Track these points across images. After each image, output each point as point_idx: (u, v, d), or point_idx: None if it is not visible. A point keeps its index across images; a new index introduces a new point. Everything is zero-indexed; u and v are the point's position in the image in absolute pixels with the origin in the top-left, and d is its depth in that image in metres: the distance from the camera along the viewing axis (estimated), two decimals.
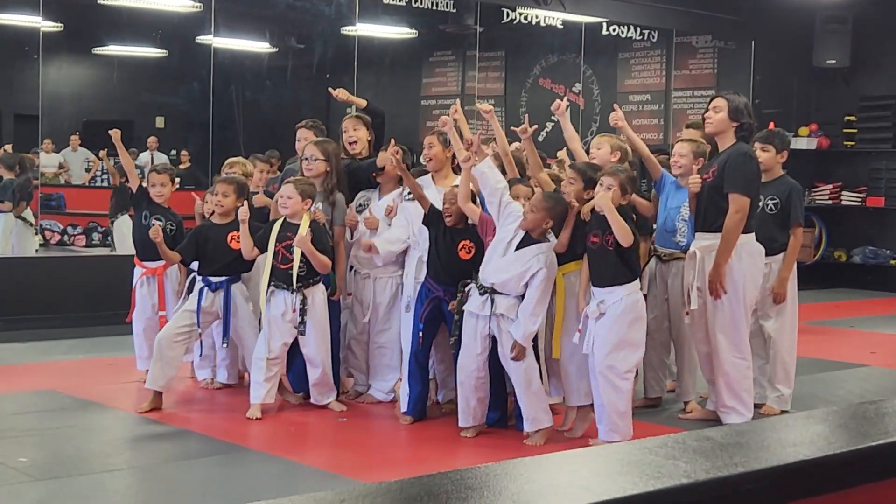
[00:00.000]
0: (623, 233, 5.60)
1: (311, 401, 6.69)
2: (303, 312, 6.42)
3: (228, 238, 6.66)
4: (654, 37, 15.05)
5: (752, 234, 6.33)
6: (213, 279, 6.68)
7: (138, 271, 7.21)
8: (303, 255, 6.39)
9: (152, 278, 7.14)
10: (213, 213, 6.93)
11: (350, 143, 7.02)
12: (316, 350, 6.51)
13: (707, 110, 6.43)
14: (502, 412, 6.26)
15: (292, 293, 6.42)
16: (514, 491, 1.91)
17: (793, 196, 6.96)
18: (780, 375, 6.88)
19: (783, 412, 6.67)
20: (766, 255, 6.55)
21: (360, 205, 6.95)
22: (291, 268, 6.41)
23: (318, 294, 6.51)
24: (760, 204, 6.69)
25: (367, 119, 7.14)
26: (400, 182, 6.73)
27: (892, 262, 14.28)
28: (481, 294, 5.90)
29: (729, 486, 2.06)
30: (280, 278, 6.45)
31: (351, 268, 6.87)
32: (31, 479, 5.13)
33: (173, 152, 17.06)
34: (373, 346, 6.90)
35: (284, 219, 6.51)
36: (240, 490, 5.03)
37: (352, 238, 6.86)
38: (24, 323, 9.18)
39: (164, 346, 6.55)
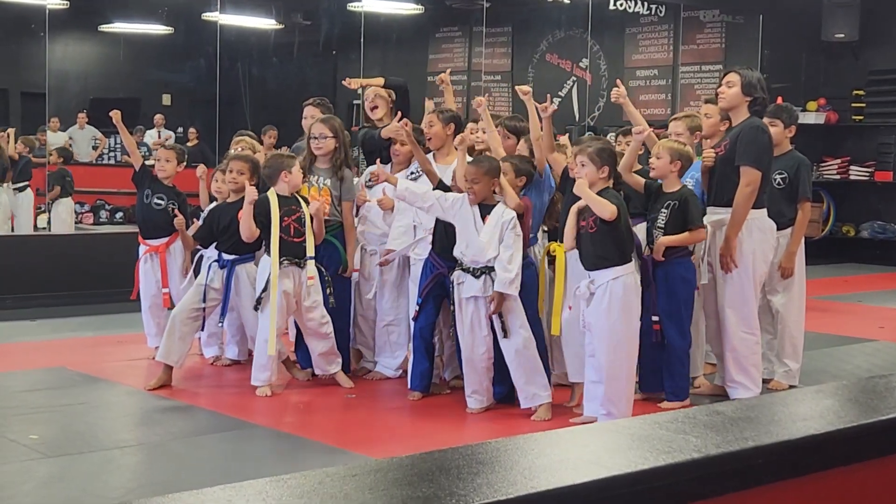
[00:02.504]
0: (600, 207, 5.52)
1: (317, 372, 6.69)
2: (326, 285, 6.45)
3: (240, 215, 6.62)
4: (661, 11, 14.98)
5: (764, 210, 6.31)
6: (225, 256, 6.67)
7: (142, 249, 7.21)
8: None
9: (156, 255, 7.14)
10: (220, 191, 6.92)
11: (371, 109, 7.08)
12: (320, 321, 6.52)
13: (720, 85, 6.40)
14: (509, 387, 6.25)
15: (301, 267, 6.41)
16: (525, 466, 1.92)
17: (801, 171, 6.95)
18: (788, 350, 6.87)
19: (791, 387, 6.67)
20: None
21: (369, 180, 6.93)
22: (303, 241, 6.40)
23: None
24: None
25: (391, 95, 7.18)
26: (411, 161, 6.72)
27: None
28: (478, 277, 5.89)
29: (740, 460, 2.06)
30: (291, 252, 6.41)
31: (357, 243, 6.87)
32: (41, 455, 5.15)
33: (180, 129, 17.06)
34: (380, 322, 6.90)
35: (276, 194, 6.47)
36: (249, 466, 5.04)
37: (357, 214, 6.86)
38: (33, 301, 9.21)
39: (178, 322, 6.55)
